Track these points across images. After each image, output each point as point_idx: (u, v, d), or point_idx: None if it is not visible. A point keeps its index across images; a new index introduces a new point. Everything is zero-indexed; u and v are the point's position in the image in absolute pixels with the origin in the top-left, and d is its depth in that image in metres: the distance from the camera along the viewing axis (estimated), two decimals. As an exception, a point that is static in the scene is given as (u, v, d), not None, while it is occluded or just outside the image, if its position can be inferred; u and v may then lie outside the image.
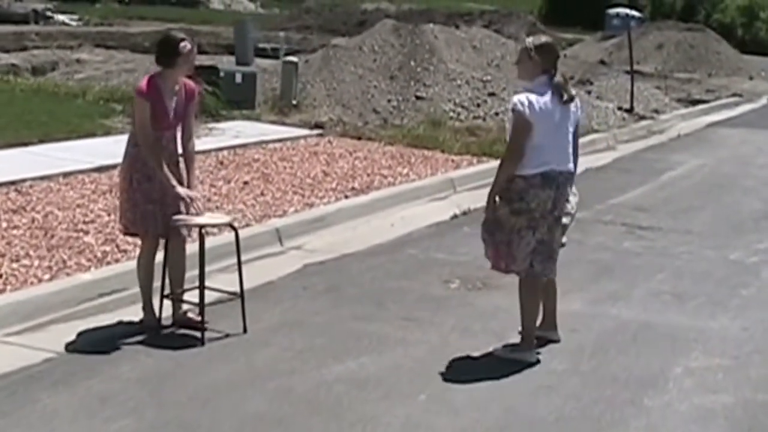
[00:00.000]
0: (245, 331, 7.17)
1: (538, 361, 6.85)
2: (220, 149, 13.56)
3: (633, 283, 8.90)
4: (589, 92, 22.13)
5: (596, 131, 17.89)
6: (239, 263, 7.28)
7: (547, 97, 6.66)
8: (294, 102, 17.30)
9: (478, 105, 18.37)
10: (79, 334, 7.02)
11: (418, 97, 18.24)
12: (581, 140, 16.27)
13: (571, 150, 6.87)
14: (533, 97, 6.63)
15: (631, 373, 6.74)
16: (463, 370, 6.68)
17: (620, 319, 7.87)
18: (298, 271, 8.88)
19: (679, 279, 9.10)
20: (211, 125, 15.26)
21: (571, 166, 6.90)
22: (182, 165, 7.33)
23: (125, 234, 7.47)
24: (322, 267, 9.02)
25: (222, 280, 7.93)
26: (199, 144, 13.70)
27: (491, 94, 18.65)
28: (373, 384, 6.38)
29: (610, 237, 10.58)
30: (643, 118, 20.36)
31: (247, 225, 9.87)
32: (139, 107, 7.02)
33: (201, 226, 7.13)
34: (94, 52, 26.34)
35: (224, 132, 14.87)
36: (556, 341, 7.18)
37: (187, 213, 7.12)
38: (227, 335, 7.11)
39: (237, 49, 18.54)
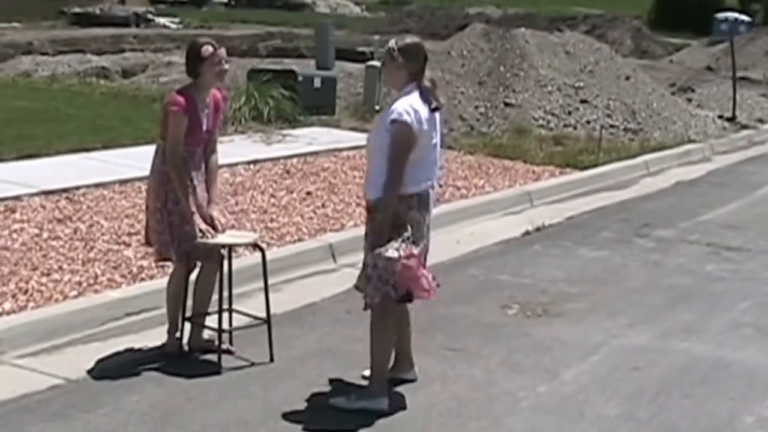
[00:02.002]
0: (272, 359, 6.58)
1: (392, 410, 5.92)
2: (290, 157, 13.04)
3: (711, 312, 8.08)
4: (689, 100, 21.15)
5: (692, 141, 16.94)
6: (266, 286, 6.68)
7: (420, 105, 5.86)
8: (377, 108, 16.69)
9: (569, 113, 17.59)
10: (95, 359, 6.51)
11: (506, 104, 17.53)
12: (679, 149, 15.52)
13: (438, 164, 6.11)
14: (416, 105, 5.84)
15: (696, 422, 5.97)
16: (504, 413, 5.99)
17: (691, 355, 7.07)
18: (346, 291, 8.23)
19: (764, 309, 8.23)
20: (285, 132, 14.77)
21: (436, 183, 6.14)
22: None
23: (159, 260, 6.93)
24: (372, 287, 8.38)
25: (262, 301, 7.29)
26: (270, 151, 13.34)
27: (583, 102, 17.86)
28: (399, 426, 5.74)
29: (693, 259, 9.74)
30: (745, 127, 19.30)
31: (300, 240, 9.31)
32: (174, 122, 6.43)
33: (223, 246, 6.55)
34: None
35: (298, 139, 14.35)
36: (413, 380, 6.34)
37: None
38: (252, 364, 6.53)
39: (317, 52, 18.00)
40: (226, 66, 6.67)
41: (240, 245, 6.95)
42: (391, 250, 5.77)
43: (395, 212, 5.82)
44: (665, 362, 6.90)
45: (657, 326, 7.66)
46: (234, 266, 7.54)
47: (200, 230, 6.42)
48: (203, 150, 6.66)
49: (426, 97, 5.88)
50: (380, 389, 5.94)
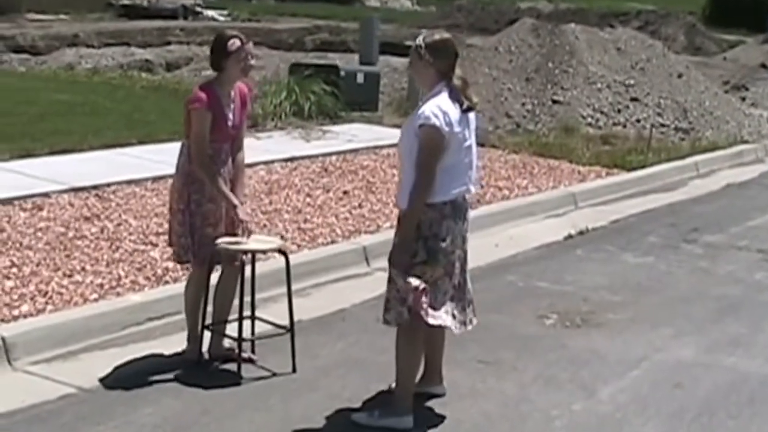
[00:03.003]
0: (294, 370, 6.30)
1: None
2: (328, 154, 12.77)
3: (760, 325, 7.70)
4: (743, 98, 20.63)
5: (745, 141, 16.46)
6: (289, 293, 6.41)
7: (450, 106, 5.51)
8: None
9: (619, 110, 17.18)
10: (112, 366, 6.28)
11: (554, 101, 17.16)
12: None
13: (474, 168, 5.75)
14: (445, 106, 5.49)
15: (740, 445, 5.63)
16: (536, 432, 5.68)
17: (737, 371, 6.70)
18: (377, 297, 7.88)
19: (817, 322, 7.85)
20: (326, 128, 14.49)
21: (473, 187, 5.76)
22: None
23: (178, 262, 6.69)
24: (405, 293, 8.09)
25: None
26: (308, 148, 13.08)
27: (634, 99, 17.44)
28: (422, 446, 5.45)
29: (743, 266, 9.33)
30: (801, 127, 18.74)
31: (333, 242, 9.03)
32: (198, 119, 6.17)
33: (245, 252, 6.28)
34: (231, 48, 25.98)
35: (338, 135, 14.08)
36: (441, 395, 6.03)
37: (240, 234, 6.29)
38: (273, 374, 6.26)
39: (361, 47, 17.64)
40: (253, 61, 6.40)
41: (263, 251, 6.65)
42: (415, 279, 5.45)
43: (428, 222, 5.52)
44: (710, 379, 6.54)
45: (702, 339, 7.30)
46: (261, 270, 7.34)
47: (227, 234, 6.17)
48: (230, 146, 6.40)
49: (456, 96, 5.54)
50: (405, 407, 5.64)
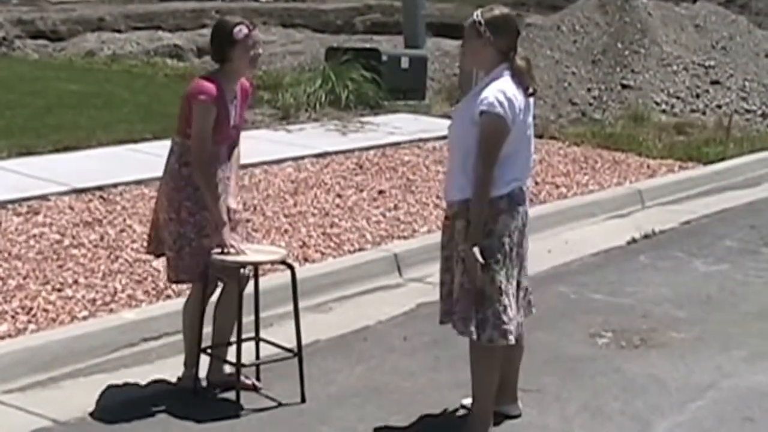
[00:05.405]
0: (303, 399, 6.02)
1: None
2: (366, 149, 12.48)
3: None
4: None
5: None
6: (296, 312, 6.14)
7: (515, 91, 5.32)
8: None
9: (698, 95, 16.81)
10: (95, 395, 6.04)
11: (624, 86, 16.84)
12: None
13: (530, 161, 5.61)
14: (510, 92, 5.30)
15: (818, 491, 5.25)
16: (578, 474, 5.35)
17: (819, 401, 6.31)
18: (407, 312, 7.70)
19: None
20: (365, 119, 14.22)
21: (528, 181, 5.63)
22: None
23: (171, 282, 6.43)
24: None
25: (304, 324, 6.65)
26: (344, 142, 12.81)
27: (715, 83, 17.05)
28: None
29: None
30: None
31: (361, 249, 8.74)
32: (203, 114, 5.88)
33: (243, 265, 6.00)
34: (270, 31, 25.81)
35: (378, 127, 13.78)
36: (517, 416, 5.85)
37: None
38: (279, 404, 5.99)
39: (405, 28, 17.31)
40: (261, 50, 6.14)
41: (265, 263, 6.34)
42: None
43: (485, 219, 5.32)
44: (786, 410, 6.16)
45: (780, 362, 6.92)
46: (277, 282, 7.09)
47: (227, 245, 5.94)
48: (228, 148, 6.15)
49: (520, 80, 5.36)
50: (485, 426, 5.57)
